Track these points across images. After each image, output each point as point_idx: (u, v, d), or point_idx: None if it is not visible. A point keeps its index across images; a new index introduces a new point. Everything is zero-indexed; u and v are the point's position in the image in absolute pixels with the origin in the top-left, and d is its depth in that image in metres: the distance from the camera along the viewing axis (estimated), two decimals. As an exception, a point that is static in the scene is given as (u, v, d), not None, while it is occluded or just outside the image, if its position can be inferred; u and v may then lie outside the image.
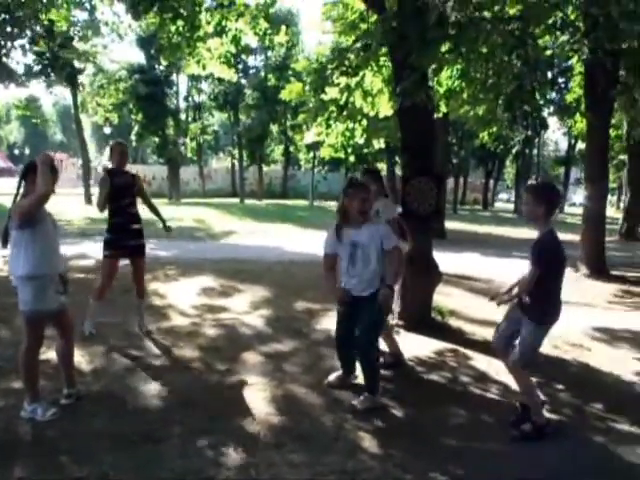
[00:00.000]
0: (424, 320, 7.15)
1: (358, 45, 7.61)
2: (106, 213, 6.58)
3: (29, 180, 4.26)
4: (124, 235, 6.56)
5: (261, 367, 5.72)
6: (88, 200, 30.61)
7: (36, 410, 4.36)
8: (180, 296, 8.61)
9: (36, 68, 10.93)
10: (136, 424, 4.32)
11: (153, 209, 6.99)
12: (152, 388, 5.05)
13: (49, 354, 5.22)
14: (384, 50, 7.67)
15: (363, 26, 8.52)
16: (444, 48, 6.82)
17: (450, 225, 21.05)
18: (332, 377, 5.26)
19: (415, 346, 6.41)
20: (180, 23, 8.84)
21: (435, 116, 10.32)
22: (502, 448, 4.15)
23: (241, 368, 5.67)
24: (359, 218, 4.78)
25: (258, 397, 4.93)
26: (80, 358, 5.62)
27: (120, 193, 6.51)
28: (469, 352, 6.31)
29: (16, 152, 73.92)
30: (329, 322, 7.01)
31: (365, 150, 20.58)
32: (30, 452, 3.92)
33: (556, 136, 63.28)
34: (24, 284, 4.29)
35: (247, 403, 4.80)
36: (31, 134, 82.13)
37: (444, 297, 8.60)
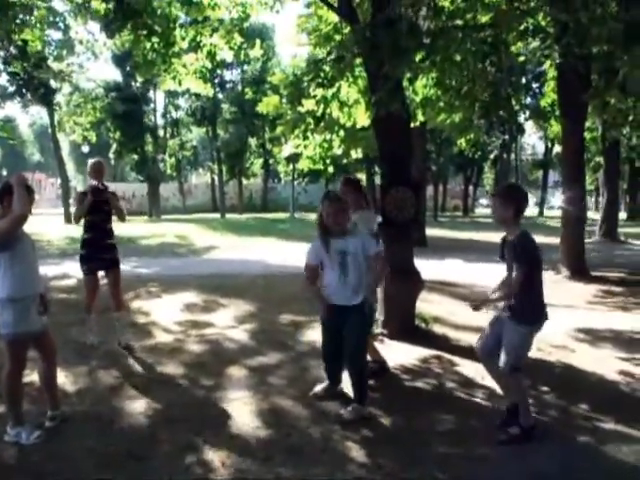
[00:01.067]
0: (408, 328, 7.16)
1: (332, 56, 7.65)
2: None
3: (4, 202, 4.21)
4: (98, 249, 6.68)
5: (247, 381, 5.69)
6: (68, 219, 30.38)
7: (20, 434, 4.30)
8: (163, 313, 8.55)
9: (10, 89, 10.89)
10: (122, 443, 4.28)
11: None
12: (137, 406, 5.01)
13: (33, 376, 5.16)
14: (359, 61, 7.73)
15: (337, 37, 8.58)
16: (418, 57, 6.87)
17: (431, 232, 21.15)
18: (318, 388, 5.25)
19: (400, 354, 6.42)
20: (155, 40, 8.84)
21: (412, 125, 10.42)
22: (490, 452, 4.16)
23: (226, 383, 5.64)
24: (338, 229, 4.80)
25: (244, 411, 4.90)
26: (64, 379, 5.57)
27: (91, 209, 6.61)
28: (454, 358, 6.32)
29: (-6, 174, 73.28)
30: (314, 334, 7.01)
31: (345, 161, 20.67)
32: (15, 476, 3.87)
33: (533, 140, 64.10)
34: (5, 306, 4.24)
35: (234, 417, 4.77)
36: (8, 155, 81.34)
37: (428, 304, 8.63)
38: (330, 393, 5.15)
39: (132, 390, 5.42)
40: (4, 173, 68.71)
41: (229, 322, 8.14)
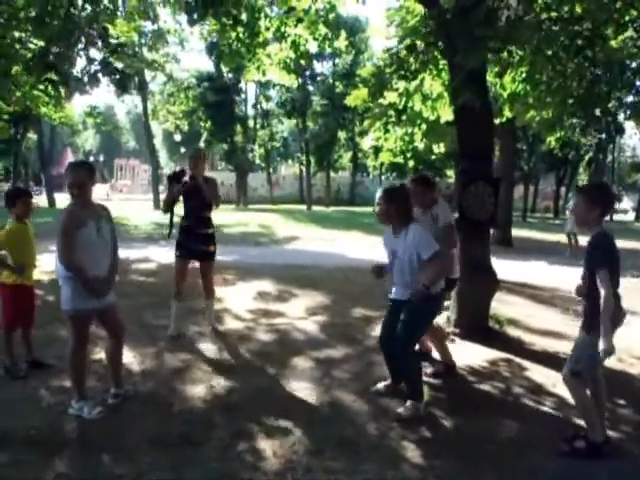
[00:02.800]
0: (480, 328, 6.95)
1: (403, 45, 7.50)
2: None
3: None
4: (194, 238, 6.71)
5: (310, 373, 5.67)
6: (156, 205, 31.36)
7: (82, 408, 4.43)
8: (236, 300, 8.66)
9: (99, 76, 11.36)
10: (178, 426, 4.35)
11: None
12: (198, 391, 5.08)
13: (102, 354, 5.32)
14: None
15: (423, 30, 8.39)
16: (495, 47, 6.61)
17: (518, 233, 20.53)
18: (380, 385, 5.17)
19: (469, 354, 6.24)
20: (240, 29, 8.93)
21: (500, 121, 10.09)
22: (549, 464, 3.95)
23: (290, 373, 5.64)
24: (399, 223, 4.72)
25: (304, 402, 4.89)
26: (131, 359, 5.72)
27: (186, 196, 6.69)
28: (525, 363, 6.08)
29: (91, 159, 76.44)
30: (384, 329, 6.91)
31: (433, 157, 20.28)
32: (73, 449, 3.99)
33: (634, 141, 61.13)
34: (65, 283, 4.42)
35: (292, 408, 4.76)
36: (106, 141, 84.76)
37: (504, 305, 8.35)
38: (391, 391, 5.06)
39: (195, 374, 5.51)
40: (101, 159, 71.69)
41: (300, 313, 8.15)
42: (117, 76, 12.31)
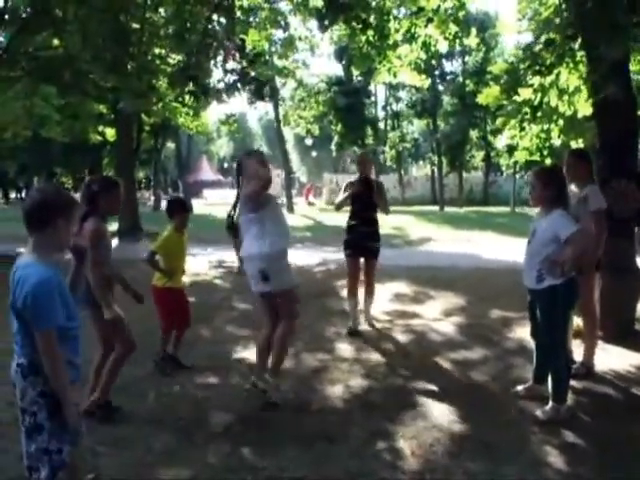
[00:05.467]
0: (626, 331, 6.62)
1: (542, 40, 7.27)
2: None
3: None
4: (359, 236, 7.18)
5: (448, 373, 5.69)
6: (290, 209, 32.20)
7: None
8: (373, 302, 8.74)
9: (238, 86, 11.95)
10: (317, 423, 4.50)
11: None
12: (335, 390, 5.22)
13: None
14: (579, 45, 7.27)
15: (558, 21, 8.12)
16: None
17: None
18: (520, 387, 5.08)
19: (614, 358, 5.97)
20: (370, 33, 9.06)
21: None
22: None
23: (427, 373, 5.66)
24: (548, 204, 4.62)
25: (442, 403, 4.89)
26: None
27: (355, 198, 7.17)
28: (679, 368, 5.74)
29: (225, 165, 79.40)
30: (523, 331, 6.76)
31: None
32: (219, 441, 4.23)
33: None
34: (276, 261, 4.80)
35: (430, 408, 4.79)
36: (239, 148, 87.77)
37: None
38: (532, 393, 4.95)
39: (332, 374, 5.66)
40: (235, 165, 74.29)
41: (436, 314, 8.14)
42: (253, 85, 12.84)
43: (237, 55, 11.88)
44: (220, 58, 11.61)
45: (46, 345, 2.61)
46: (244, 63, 12.10)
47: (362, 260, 7.40)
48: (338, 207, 7.56)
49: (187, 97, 13.65)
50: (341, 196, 7.35)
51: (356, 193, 7.12)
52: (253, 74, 13.03)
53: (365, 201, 7.17)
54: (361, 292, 7.55)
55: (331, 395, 5.11)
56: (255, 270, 4.81)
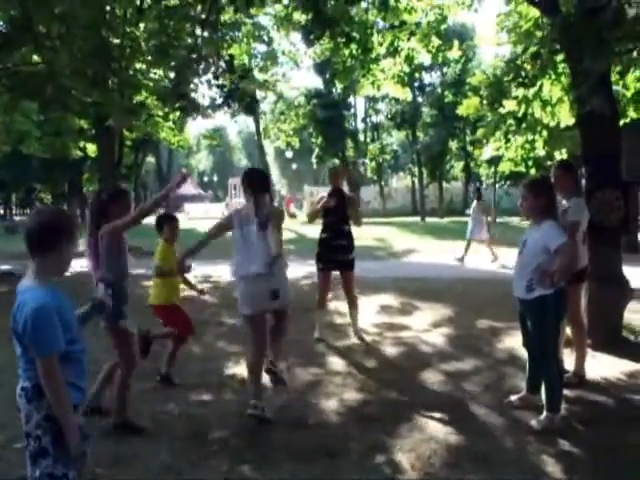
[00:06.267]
0: (614, 339, 6.70)
1: (528, 54, 7.38)
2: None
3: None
4: (331, 249, 7.23)
5: (440, 385, 5.69)
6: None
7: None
8: (360, 314, 8.72)
9: (219, 100, 11.99)
10: (315, 438, 4.48)
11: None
12: (330, 404, 5.21)
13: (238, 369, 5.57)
14: (562, 57, 7.38)
15: (538, 34, 8.24)
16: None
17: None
18: (514, 397, 5.10)
19: (603, 366, 6.03)
20: (353, 46, 9.15)
21: (624, 122, 9.69)
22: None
23: (420, 386, 5.68)
24: (538, 215, 4.70)
25: (436, 415, 4.91)
26: (263, 373, 5.91)
27: (327, 211, 7.20)
28: (667, 375, 5.81)
29: (205, 179, 79.37)
30: (512, 341, 6.83)
31: (549, 162, 19.66)
32: (216, 457, 4.20)
33: None
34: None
35: (425, 420, 4.80)
36: (218, 162, 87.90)
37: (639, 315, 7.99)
38: (526, 403, 4.98)
39: (326, 388, 5.65)
40: (215, 179, 74.16)
41: (425, 326, 8.16)
42: (244, 101, 12.93)
43: (224, 72, 11.94)
44: (209, 74, 11.66)
45: (46, 371, 2.56)
46: (234, 79, 12.17)
47: (338, 274, 7.48)
48: (310, 218, 7.62)
49: (175, 113, 13.69)
50: (312, 207, 7.43)
51: (327, 206, 7.16)
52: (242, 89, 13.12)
53: (337, 214, 7.22)
54: (345, 306, 7.70)
55: (326, 409, 5.10)
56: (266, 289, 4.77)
